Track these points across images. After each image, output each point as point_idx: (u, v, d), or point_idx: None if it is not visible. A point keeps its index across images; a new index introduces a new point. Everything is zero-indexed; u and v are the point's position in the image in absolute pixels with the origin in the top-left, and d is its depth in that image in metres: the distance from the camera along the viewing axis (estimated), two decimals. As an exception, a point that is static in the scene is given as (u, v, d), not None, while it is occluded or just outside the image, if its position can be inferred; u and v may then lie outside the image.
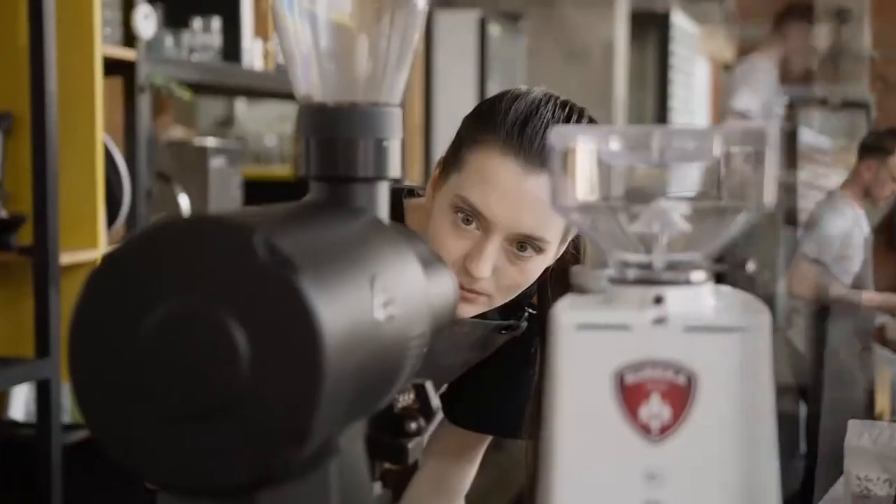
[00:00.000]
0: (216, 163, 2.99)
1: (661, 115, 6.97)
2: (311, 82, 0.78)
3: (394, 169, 0.78)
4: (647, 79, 6.99)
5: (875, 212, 4.36)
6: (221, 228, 0.61)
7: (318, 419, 0.60)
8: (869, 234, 4.31)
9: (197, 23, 2.95)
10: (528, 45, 5.34)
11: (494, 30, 4.84)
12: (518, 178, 1.21)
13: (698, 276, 0.69)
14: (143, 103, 2.60)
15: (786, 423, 4.80)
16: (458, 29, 4.70)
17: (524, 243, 1.25)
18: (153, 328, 0.61)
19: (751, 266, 3.75)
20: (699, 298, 0.69)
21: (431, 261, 0.83)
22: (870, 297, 4.24)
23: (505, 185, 1.22)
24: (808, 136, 4.82)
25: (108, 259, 0.62)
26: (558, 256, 1.33)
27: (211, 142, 3.12)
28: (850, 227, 4.13)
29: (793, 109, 5.01)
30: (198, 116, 5.01)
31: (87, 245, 2.38)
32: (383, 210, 0.78)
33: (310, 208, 0.74)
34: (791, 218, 4.72)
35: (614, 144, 0.69)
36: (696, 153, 0.68)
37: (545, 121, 1.23)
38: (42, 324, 2.25)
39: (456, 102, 4.49)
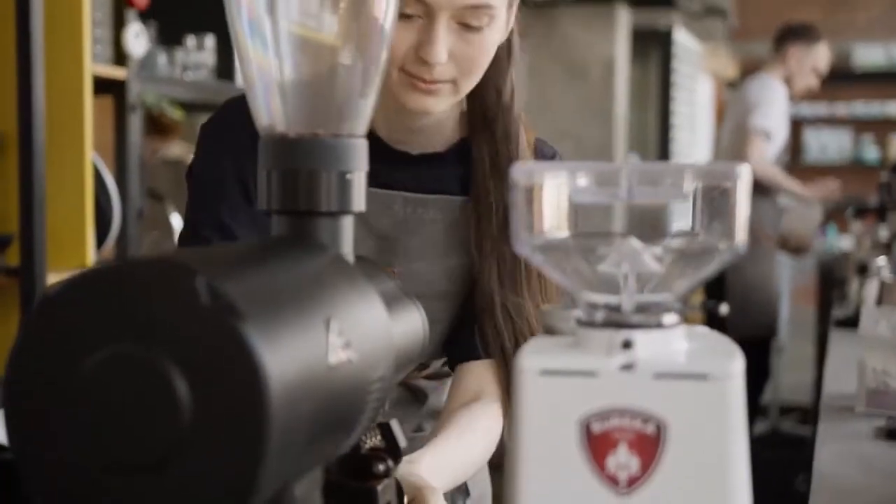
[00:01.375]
0: (210, 181, 2.95)
1: (663, 133, 6.94)
2: (272, 112, 0.75)
3: (358, 203, 0.75)
4: (649, 96, 6.97)
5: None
6: (163, 271, 0.58)
7: (264, 472, 0.57)
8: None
9: (191, 41, 2.93)
10: (528, 62, 5.30)
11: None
12: None
13: (670, 318, 0.66)
14: (134, 122, 2.58)
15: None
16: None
17: (470, 23, 1.21)
18: (91, 374, 0.58)
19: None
20: (670, 342, 0.66)
21: (397, 298, 0.81)
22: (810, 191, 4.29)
23: None
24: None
25: (47, 300, 0.59)
26: (510, 28, 1.30)
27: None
28: (784, 103, 4.19)
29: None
30: (198, 124, 4.99)
31: (76, 266, 2.35)
32: (347, 245, 0.75)
33: (267, 246, 0.71)
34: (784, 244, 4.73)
35: (582, 181, 0.66)
36: (665, 191, 0.65)
37: None
38: (27, 346, 2.21)
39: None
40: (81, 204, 2.36)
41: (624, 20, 5.66)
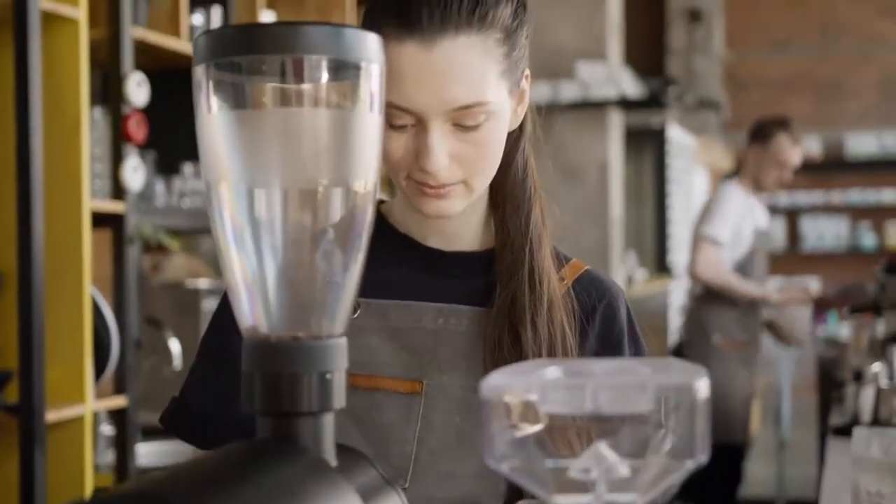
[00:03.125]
0: (209, 305, 2.99)
1: (660, 229, 7.00)
2: (255, 315, 0.78)
3: (339, 400, 0.78)
4: (644, 193, 7.04)
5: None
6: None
7: None
8: (763, 227, 4.35)
9: (188, 168, 2.98)
10: (523, 167, 5.38)
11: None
12: (422, 55, 1.13)
13: (639, 523, 0.68)
14: (132, 254, 2.62)
15: None
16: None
17: (466, 123, 1.16)
18: None
19: None
20: (639, 548, 0.68)
21: (378, 487, 0.83)
22: (775, 294, 4.26)
23: (413, 69, 1.13)
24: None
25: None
26: (521, 117, 1.26)
27: (203, 283, 3.14)
28: (743, 213, 4.22)
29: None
30: (201, 242, 5.04)
31: (75, 400, 2.37)
32: (328, 443, 0.78)
33: (245, 456, 0.73)
34: (780, 336, 4.71)
35: (548, 394, 0.68)
36: (630, 402, 0.68)
37: None
38: (27, 485, 2.23)
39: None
40: (80, 339, 2.39)
41: (617, 122, 5.75)
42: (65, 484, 2.36)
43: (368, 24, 1.18)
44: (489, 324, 1.26)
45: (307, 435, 0.77)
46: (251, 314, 0.78)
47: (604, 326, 1.31)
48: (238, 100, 0.77)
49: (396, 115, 1.15)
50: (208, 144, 0.78)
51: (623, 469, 0.69)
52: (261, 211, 0.78)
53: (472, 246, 1.31)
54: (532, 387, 0.69)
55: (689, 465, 0.68)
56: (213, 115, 0.77)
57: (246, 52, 0.76)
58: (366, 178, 0.79)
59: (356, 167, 0.79)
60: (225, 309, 1.30)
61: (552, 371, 0.71)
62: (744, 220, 4.23)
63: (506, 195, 1.29)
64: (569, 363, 0.75)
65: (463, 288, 1.29)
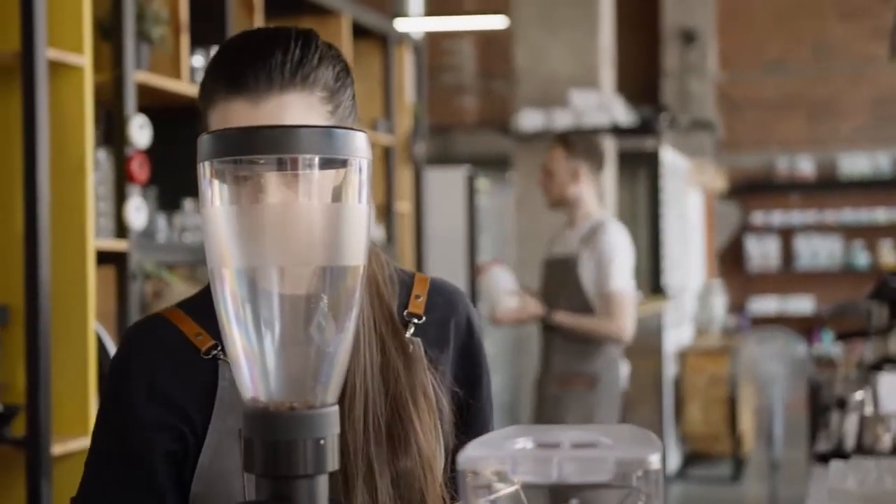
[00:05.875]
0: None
1: (654, 251, 7.08)
2: (256, 386, 0.86)
3: (332, 462, 0.86)
4: (638, 216, 7.12)
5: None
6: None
7: None
8: (564, 252, 4.22)
9: (189, 203, 3.07)
10: (517, 194, 5.48)
11: (483, 184, 4.99)
12: (250, 111, 1.20)
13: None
14: (134, 291, 2.70)
15: None
16: (447, 184, 4.87)
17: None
18: None
19: None
20: None
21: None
22: (561, 317, 4.17)
23: (242, 124, 1.19)
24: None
25: None
26: None
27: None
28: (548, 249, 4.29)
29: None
30: (199, 270, 5.11)
31: (80, 433, 2.45)
32: (322, 502, 0.86)
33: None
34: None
35: (518, 465, 0.76)
36: (592, 474, 0.75)
37: (256, 43, 1.22)
38: (34, 516, 2.31)
39: (447, 257, 4.65)
40: (85, 373, 2.47)
41: (610, 149, 5.82)
42: (70, 514, 2.43)
43: (204, 90, 1.25)
44: None
45: (302, 496, 0.85)
46: (252, 386, 0.86)
47: (463, 334, 1.37)
48: (238, 194, 0.85)
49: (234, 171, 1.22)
50: (212, 233, 0.86)
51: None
52: (259, 291, 0.86)
53: None
54: (504, 458, 0.77)
55: (646, 527, 0.76)
56: (217, 208, 0.85)
57: (245, 152, 0.84)
58: (356, 258, 0.88)
59: (346, 249, 0.88)
60: (117, 406, 1.27)
61: (522, 441, 0.79)
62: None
63: None
64: (538, 433, 0.83)
65: None
